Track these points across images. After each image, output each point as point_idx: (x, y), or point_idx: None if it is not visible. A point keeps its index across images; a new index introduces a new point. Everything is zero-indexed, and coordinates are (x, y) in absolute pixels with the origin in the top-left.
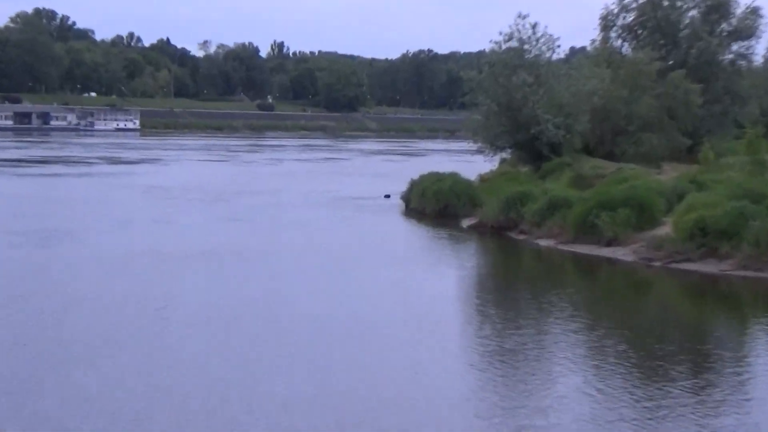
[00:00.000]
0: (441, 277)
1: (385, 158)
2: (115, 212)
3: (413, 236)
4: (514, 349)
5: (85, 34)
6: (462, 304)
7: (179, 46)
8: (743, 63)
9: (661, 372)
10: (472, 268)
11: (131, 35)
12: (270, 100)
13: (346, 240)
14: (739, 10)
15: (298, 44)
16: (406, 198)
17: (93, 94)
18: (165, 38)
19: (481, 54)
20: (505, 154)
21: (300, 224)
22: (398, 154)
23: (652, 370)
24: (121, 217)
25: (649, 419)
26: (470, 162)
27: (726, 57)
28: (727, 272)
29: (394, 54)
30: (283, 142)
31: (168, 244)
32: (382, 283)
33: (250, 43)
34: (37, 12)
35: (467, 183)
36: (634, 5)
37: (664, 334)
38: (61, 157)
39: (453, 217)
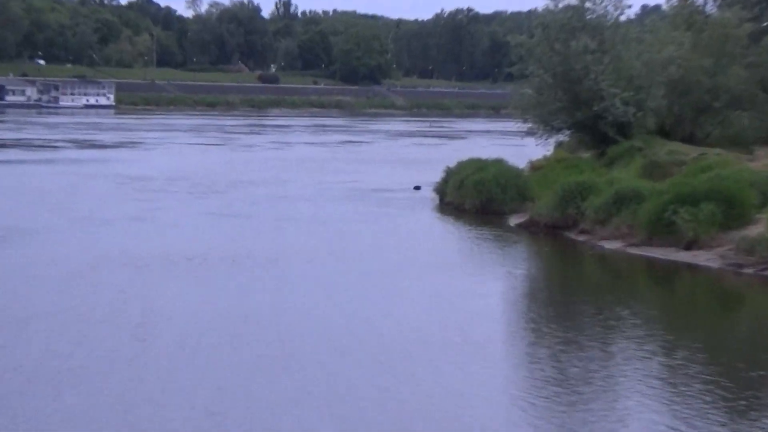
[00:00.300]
0: (485, 287)
1: (414, 141)
2: (85, 207)
3: (449, 237)
4: (576, 377)
5: None
6: (511, 320)
7: (163, 4)
8: None
9: (757, 405)
10: (523, 277)
11: None
12: (274, 71)
13: (367, 242)
14: None
15: (308, 2)
16: (441, 190)
17: (42, 61)
18: None
19: (532, 14)
20: (562, 137)
21: (312, 222)
22: (430, 137)
23: (747, 403)
24: (92, 213)
25: None
26: (519, 146)
27: None
28: None
29: (425, 14)
30: (290, 121)
31: (148, 247)
32: (413, 296)
33: (249, 1)
34: None
35: (515, 172)
36: None
37: (758, 358)
38: (19, 140)
39: (498, 213)
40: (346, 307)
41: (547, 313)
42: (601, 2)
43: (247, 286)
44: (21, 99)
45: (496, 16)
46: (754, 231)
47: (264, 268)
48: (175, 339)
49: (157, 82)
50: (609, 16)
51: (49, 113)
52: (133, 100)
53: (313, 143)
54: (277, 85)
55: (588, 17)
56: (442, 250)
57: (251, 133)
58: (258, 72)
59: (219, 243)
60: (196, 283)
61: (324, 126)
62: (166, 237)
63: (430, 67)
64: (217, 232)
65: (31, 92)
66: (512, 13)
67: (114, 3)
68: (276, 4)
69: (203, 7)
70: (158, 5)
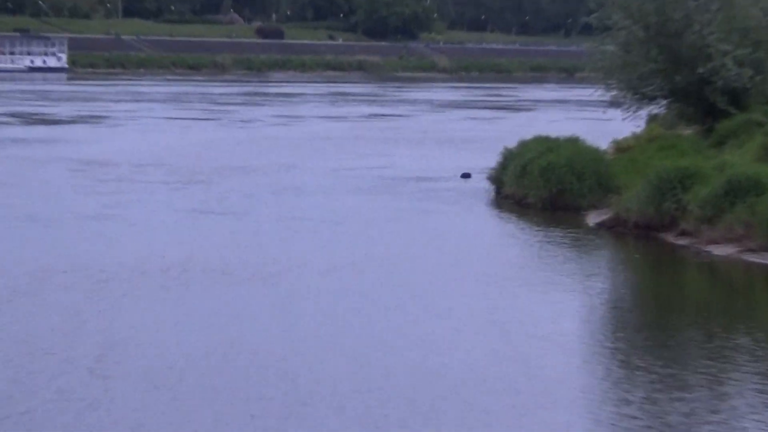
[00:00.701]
0: (557, 308)
1: (462, 114)
2: (28, 202)
3: (509, 241)
4: (681, 428)
5: None
6: (592, 351)
7: None
8: None
9: None
10: (606, 293)
11: None
12: (276, 23)
13: (401, 248)
14: None
15: None
16: (497, 178)
17: None
18: None
19: None
20: (657, 108)
21: (328, 222)
22: (484, 108)
23: None
24: (37, 210)
25: None
26: (600, 120)
27: None
28: None
29: None
30: (298, 88)
31: (111, 256)
32: (461, 321)
33: None
34: None
35: (595, 154)
36: None
37: None
38: None
39: (572, 209)
40: (373, 336)
41: (641, 341)
42: None
43: (241, 307)
44: None
45: None
46: None
47: (264, 283)
48: (147, 377)
49: (123, 37)
50: None
51: None
52: (92, 61)
53: (329, 117)
54: (282, 41)
55: None
56: (499, 259)
57: (248, 103)
58: (256, 24)
59: (204, 250)
60: (175, 304)
61: (343, 94)
62: (134, 242)
63: (483, 17)
64: (202, 236)
65: None
66: None
67: None
68: None
69: None
70: None
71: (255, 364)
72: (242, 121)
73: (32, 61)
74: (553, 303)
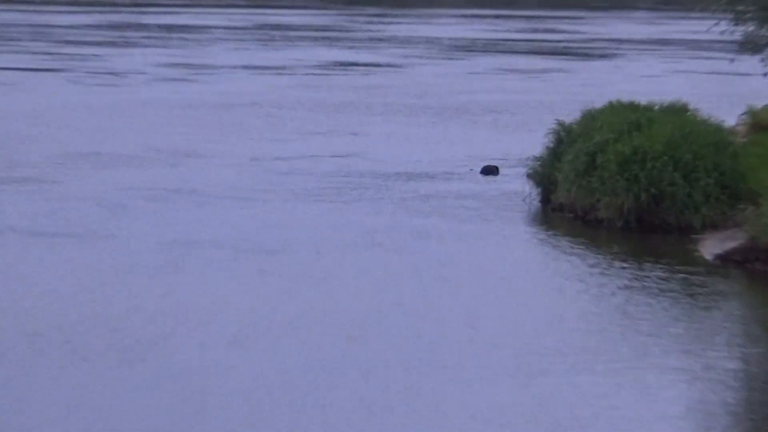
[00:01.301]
0: (658, 402)
1: (486, 64)
2: None
3: (572, 287)
4: None
5: None
6: None
7: None
8: None
9: None
10: (737, 378)
11: None
12: None
13: (383, 299)
14: None
15: None
16: (544, 176)
17: None
18: None
19: None
20: None
21: (249, 251)
22: (523, 53)
23: None
24: None
25: None
26: (725, 75)
27: None
28: None
29: None
30: (202, 18)
31: None
32: (495, 425)
33: None
34: None
35: (716, 136)
36: None
37: None
38: None
39: (675, 229)
40: None
41: None
42: None
43: (89, 398)
44: None
45: None
46: None
47: (131, 360)
48: None
49: None
50: None
51: None
52: None
53: (256, 68)
54: None
55: None
56: (555, 321)
57: (116, 44)
58: None
59: (31, 299)
60: None
61: (281, 28)
62: None
63: None
64: (28, 276)
65: None
66: None
67: None
68: None
69: None
70: None
71: None
72: (107, 73)
73: None
74: (651, 393)
